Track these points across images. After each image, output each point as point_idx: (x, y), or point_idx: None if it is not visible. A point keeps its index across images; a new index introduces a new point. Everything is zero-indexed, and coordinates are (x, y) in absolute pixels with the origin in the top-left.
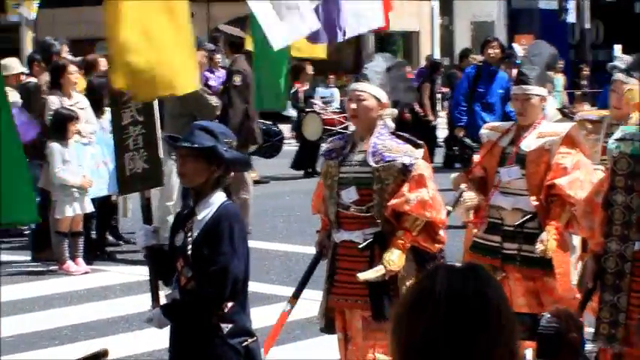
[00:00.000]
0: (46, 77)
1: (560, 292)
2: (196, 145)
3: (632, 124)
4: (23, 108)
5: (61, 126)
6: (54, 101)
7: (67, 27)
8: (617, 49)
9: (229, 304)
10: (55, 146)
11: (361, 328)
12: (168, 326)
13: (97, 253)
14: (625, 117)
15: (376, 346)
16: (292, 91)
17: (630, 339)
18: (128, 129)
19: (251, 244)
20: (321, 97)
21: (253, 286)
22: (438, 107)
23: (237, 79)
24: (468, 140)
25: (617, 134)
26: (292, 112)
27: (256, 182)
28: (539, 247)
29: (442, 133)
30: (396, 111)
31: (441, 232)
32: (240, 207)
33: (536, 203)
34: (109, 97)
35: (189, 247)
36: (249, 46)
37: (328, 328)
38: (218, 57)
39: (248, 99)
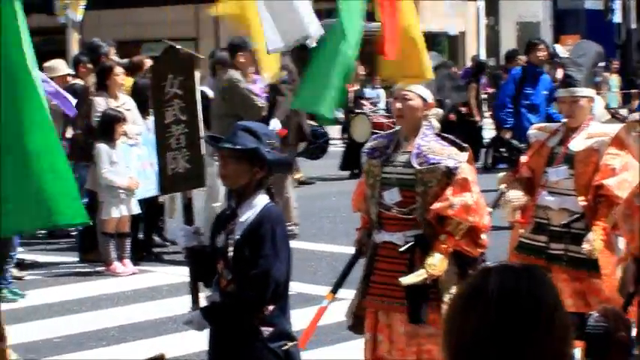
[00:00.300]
0: (92, 79)
1: (607, 293)
2: (239, 147)
3: None
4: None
5: (108, 127)
6: (100, 103)
7: (113, 29)
8: None
9: (270, 308)
10: (102, 147)
11: (403, 333)
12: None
13: (143, 254)
14: None
15: (421, 351)
16: None
17: None
18: (171, 128)
19: (297, 244)
20: (367, 98)
21: (299, 287)
22: (484, 108)
23: (282, 74)
24: (515, 142)
25: None
26: (338, 114)
27: (302, 183)
28: (586, 247)
29: (488, 133)
30: (441, 111)
31: (483, 236)
32: (282, 206)
33: (584, 203)
34: (152, 95)
35: (231, 249)
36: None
37: (356, 327)
38: None
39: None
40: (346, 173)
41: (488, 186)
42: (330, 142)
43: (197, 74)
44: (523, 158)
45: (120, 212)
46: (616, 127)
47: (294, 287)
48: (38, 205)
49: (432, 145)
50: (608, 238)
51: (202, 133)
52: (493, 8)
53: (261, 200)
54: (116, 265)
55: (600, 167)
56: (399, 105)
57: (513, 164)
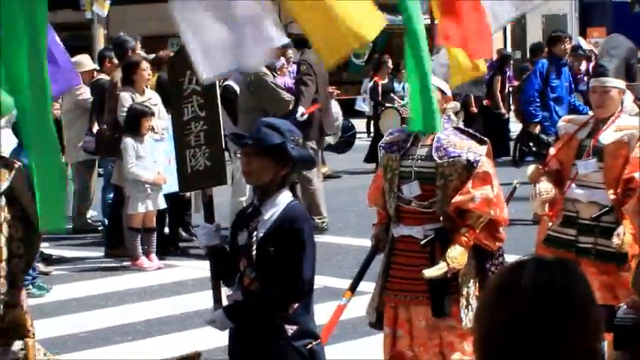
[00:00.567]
0: (117, 74)
1: None
2: (263, 144)
3: None
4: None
5: (135, 122)
6: (126, 97)
7: (138, 24)
8: None
9: (295, 306)
10: (129, 142)
11: (424, 327)
12: None
13: (169, 249)
14: None
15: (444, 344)
16: (371, 85)
17: None
18: (190, 124)
19: (324, 238)
20: (396, 92)
21: (326, 281)
22: (510, 100)
23: (303, 68)
24: (543, 136)
25: None
26: (364, 107)
27: (328, 177)
28: (615, 240)
29: (514, 126)
30: (458, 105)
31: (502, 230)
32: (309, 199)
33: (613, 197)
34: (170, 92)
35: (254, 247)
36: None
37: (380, 322)
38: (290, 52)
39: (317, 89)
40: (372, 166)
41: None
42: (357, 135)
43: None
44: (552, 150)
45: (146, 207)
46: None
47: (321, 281)
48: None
49: (451, 139)
50: (637, 231)
51: (223, 129)
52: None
53: (285, 197)
54: (142, 260)
55: (630, 160)
56: None
57: (542, 159)
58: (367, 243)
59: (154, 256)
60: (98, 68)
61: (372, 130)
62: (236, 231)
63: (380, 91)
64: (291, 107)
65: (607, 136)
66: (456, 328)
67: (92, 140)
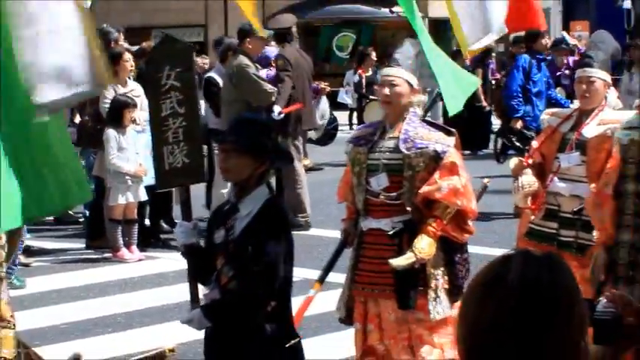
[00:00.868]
0: None
1: None
2: (241, 141)
3: None
4: None
5: (117, 113)
6: (109, 89)
7: (122, 15)
8: None
9: (273, 304)
10: (111, 133)
11: (393, 320)
12: None
13: (151, 241)
14: None
15: (413, 337)
16: (356, 78)
17: None
18: (168, 120)
19: (305, 231)
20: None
21: (307, 273)
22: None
23: (280, 63)
24: (526, 131)
25: (627, 122)
26: (347, 99)
27: (310, 169)
28: (596, 234)
29: (496, 119)
30: (425, 98)
31: (470, 223)
32: (295, 199)
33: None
34: (148, 87)
35: (231, 245)
36: (261, 33)
37: (349, 318)
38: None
39: (296, 84)
40: None
41: (496, 172)
42: (339, 128)
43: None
44: (534, 143)
45: (127, 199)
46: (629, 114)
47: (301, 273)
48: (49, 191)
49: (419, 131)
50: (597, 225)
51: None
52: None
53: (263, 194)
54: (123, 252)
55: (613, 154)
56: (386, 91)
57: (524, 153)
58: None
59: (135, 247)
60: None
61: (354, 122)
62: (213, 229)
63: (364, 84)
64: (273, 99)
65: (590, 130)
66: (425, 320)
67: (74, 131)
